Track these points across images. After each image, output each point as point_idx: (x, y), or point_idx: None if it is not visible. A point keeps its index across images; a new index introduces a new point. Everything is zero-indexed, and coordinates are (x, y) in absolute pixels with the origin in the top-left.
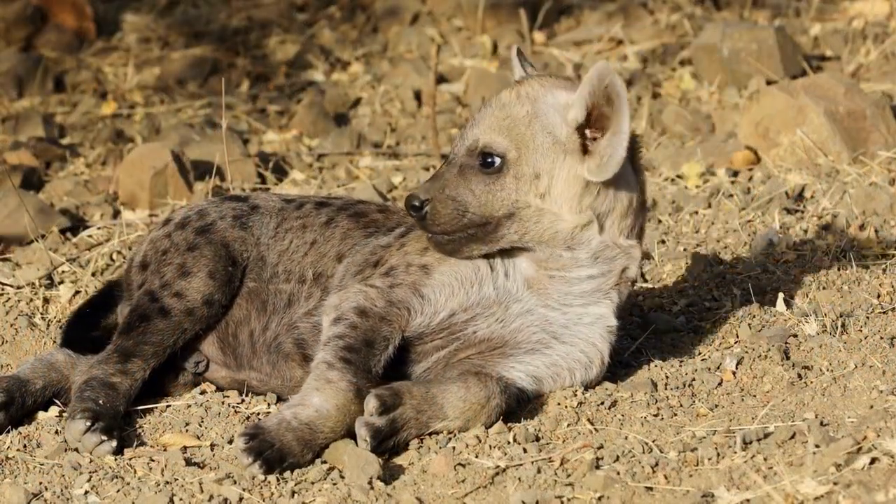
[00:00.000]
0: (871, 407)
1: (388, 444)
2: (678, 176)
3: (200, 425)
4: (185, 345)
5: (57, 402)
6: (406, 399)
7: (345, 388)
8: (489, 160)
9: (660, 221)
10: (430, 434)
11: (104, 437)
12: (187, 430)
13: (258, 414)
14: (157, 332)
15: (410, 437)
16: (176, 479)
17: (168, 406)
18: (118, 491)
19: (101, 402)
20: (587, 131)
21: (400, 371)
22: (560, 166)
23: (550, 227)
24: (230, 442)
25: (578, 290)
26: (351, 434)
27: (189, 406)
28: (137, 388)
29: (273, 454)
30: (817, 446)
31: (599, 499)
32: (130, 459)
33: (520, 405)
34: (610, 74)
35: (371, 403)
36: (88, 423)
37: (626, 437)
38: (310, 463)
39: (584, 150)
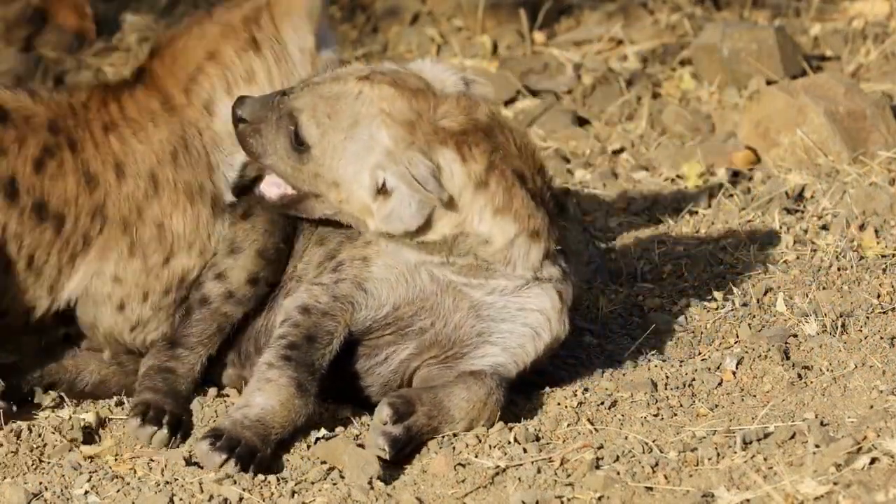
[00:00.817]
0: (871, 407)
1: (404, 452)
2: (678, 176)
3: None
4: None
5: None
6: (417, 406)
7: (285, 383)
8: (299, 138)
9: (660, 221)
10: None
11: (155, 428)
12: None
13: None
14: (198, 322)
15: (421, 443)
16: (176, 479)
17: None
18: (118, 491)
19: (158, 386)
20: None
21: (354, 367)
22: (356, 197)
23: (357, 224)
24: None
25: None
26: (299, 430)
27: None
28: (199, 372)
29: (243, 450)
30: (817, 446)
31: (599, 499)
32: (131, 459)
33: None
34: (415, 158)
35: (384, 412)
36: (139, 420)
37: (626, 437)
38: (271, 458)
39: (381, 192)
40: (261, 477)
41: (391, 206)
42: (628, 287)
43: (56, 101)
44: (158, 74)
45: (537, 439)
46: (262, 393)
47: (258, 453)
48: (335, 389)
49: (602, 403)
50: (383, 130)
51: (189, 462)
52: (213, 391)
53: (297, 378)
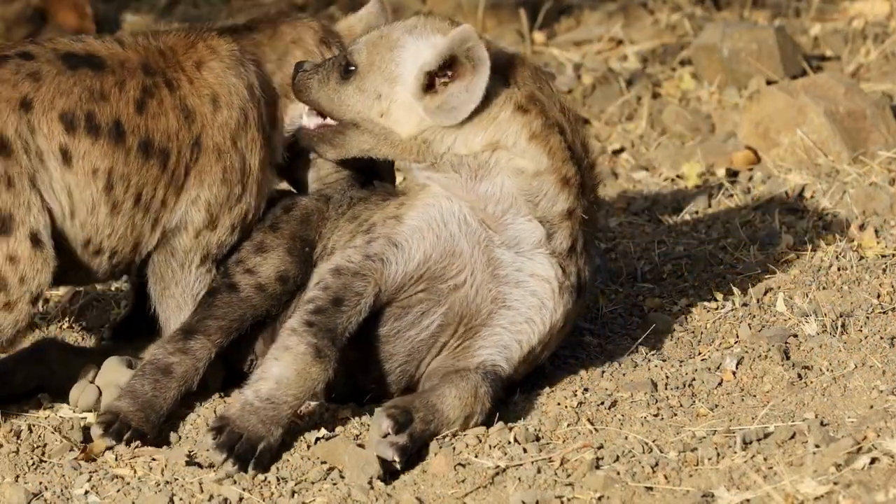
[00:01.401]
0: (871, 407)
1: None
2: (678, 176)
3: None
4: (247, 340)
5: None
6: (414, 413)
7: (303, 350)
8: (348, 65)
9: (660, 221)
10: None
11: (113, 442)
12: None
13: None
14: (223, 305)
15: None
16: (176, 479)
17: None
18: (118, 491)
19: (139, 393)
20: (437, 78)
21: (381, 330)
22: (400, 97)
23: (393, 146)
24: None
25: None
26: (299, 437)
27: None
28: (200, 371)
29: (243, 445)
30: (817, 446)
31: (599, 499)
32: (131, 459)
33: (503, 385)
34: (471, 40)
35: (384, 424)
36: (101, 430)
37: (626, 437)
38: (279, 439)
39: (428, 90)
40: (261, 477)
41: (446, 93)
42: (628, 287)
43: (143, 46)
44: (256, 40)
45: (537, 439)
46: (279, 362)
47: (260, 443)
48: (357, 362)
49: (602, 403)
50: (425, 36)
51: (189, 462)
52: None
53: (316, 344)
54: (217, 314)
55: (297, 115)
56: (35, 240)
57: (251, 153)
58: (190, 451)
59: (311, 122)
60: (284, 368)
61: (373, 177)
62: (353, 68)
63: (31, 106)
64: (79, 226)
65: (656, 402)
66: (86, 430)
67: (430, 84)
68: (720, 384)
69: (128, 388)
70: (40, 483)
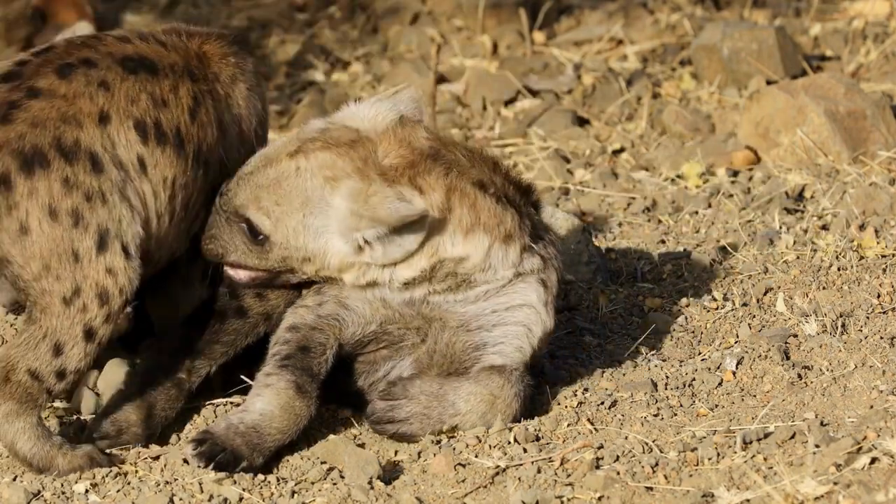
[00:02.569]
0: (871, 407)
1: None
2: (678, 176)
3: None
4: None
5: None
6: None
7: (284, 386)
8: (253, 230)
9: (660, 221)
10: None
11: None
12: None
13: None
14: (231, 332)
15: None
16: (176, 479)
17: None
18: (118, 491)
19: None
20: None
21: (357, 385)
22: (332, 261)
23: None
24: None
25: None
26: (300, 437)
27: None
28: (198, 383)
29: (226, 458)
30: (817, 446)
31: (599, 499)
32: (136, 462)
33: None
34: (401, 208)
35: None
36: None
37: (626, 437)
38: (262, 467)
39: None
40: (261, 477)
41: (381, 249)
42: (628, 287)
43: (182, 47)
44: None
45: (537, 439)
46: (262, 398)
47: (243, 461)
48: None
49: (602, 403)
50: (336, 195)
51: (189, 462)
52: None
53: (296, 381)
54: (224, 339)
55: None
56: (126, 252)
57: None
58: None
59: (238, 274)
60: (267, 403)
61: None
62: (261, 237)
63: (109, 117)
64: (147, 235)
65: (656, 402)
66: (83, 429)
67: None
68: (720, 384)
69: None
70: (40, 483)
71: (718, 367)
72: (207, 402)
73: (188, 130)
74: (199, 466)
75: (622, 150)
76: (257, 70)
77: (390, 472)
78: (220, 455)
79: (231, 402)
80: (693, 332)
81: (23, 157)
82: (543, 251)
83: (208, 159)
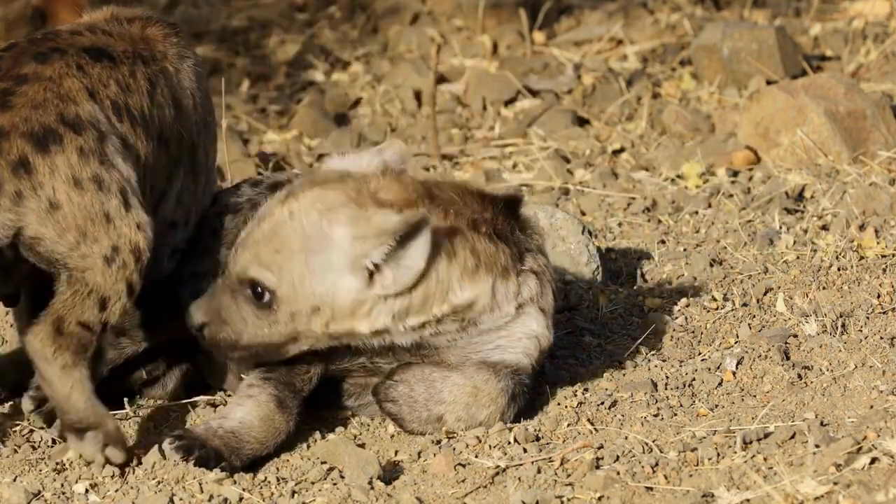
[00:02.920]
0: (871, 407)
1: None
2: (678, 176)
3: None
4: None
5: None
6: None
7: (265, 399)
8: (258, 290)
9: (660, 221)
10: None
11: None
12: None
13: None
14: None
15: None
16: (176, 480)
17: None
18: (118, 490)
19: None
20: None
21: (345, 404)
22: (343, 293)
23: (344, 339)
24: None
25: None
26: (280, 450)
27: (196, 406)
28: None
29: (206, 453)
30: (817, 446)
31: (599, 499)
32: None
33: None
34: (403, 220)
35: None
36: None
37: (626, 437)
38: (238, 471)
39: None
40: (261, 477)
41: (391, 273)
42: (628, 287)
43: (121, 34)
44: None
45: (537, 439)
46: (242, 408)
47: (222, 461)
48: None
49: (602, 403)
50: (335, 227)
51: None
52: (203, 399)
53: (278, 395)
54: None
55: None
56: (144, 207)
57: (211, 150)
58: None
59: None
60: (247, 413)
61: None
62: (267, 294)
63: (96, 94)
64: None
65: (656, 402)
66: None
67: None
68: (720, 384)
69: None
70: (40, 483)
71: (718, 367)
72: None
73: (150, 112)
74: (177, 461)
75: (622, 150)
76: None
77: (390, 472)
78: (199, 451)
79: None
80: (693, 332)
81: (35, 137)
82: (535, 264)
83: (169, 137)
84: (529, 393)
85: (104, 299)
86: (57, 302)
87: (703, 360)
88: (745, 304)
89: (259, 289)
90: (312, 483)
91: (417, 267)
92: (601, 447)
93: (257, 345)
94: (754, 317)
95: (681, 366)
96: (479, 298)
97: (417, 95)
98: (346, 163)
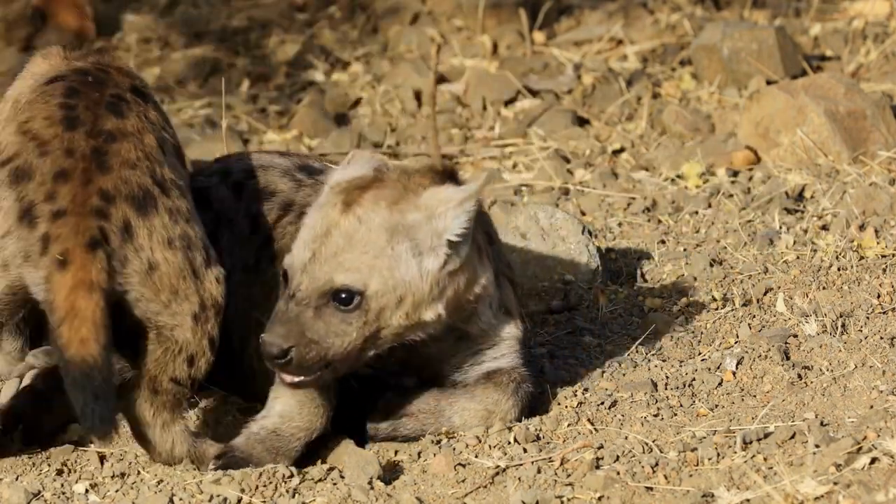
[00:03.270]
0: (871, 407)
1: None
2: (678, 176)
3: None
4: None
5: None
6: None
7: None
8: (344, 296)
9: (660, 221)
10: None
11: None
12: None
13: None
14: None
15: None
16: (176, 480)
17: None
18: (118, 491)
19: None
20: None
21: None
22: (427, 275)
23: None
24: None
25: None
26: (328, 432)
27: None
28: None
29: (245, 466)
30: (817, 446)
31: (599, 499)
32: (133, 461)
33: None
34: (471, 191)
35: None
36: None
37: (626, 437)
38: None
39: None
40: (261, 476)
41: (460, 246)
42: (628, 287)
43: (109, 71)
44: None
45: (537, 439)
46: (280, 400)
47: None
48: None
49: (602, 403)
50: (408, 214)
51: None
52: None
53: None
54: None
55: None
56: (218, 262)
57: None
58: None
59: (288, 378)
60: (285, 404)
61: None
62: (356, 297)
63: (164, 145)
64: None
65: (656, 402)
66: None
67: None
68: (720, 384)
69: None
70: (40, 483)
71: (718, 367)
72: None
73: (175, 139)
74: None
75: (622, 150)
76: None
77: (390, 472)
78: (240, 466)
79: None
80: (693, 332)
81: (136, 201)
82: (497, 265)
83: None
84: (532, 392)
85: (192, 357)
86: (149, 362)
87: (703, 360)
88: (745, 304)
89: (345, 294)
90: (313, 483)
91: (471, 235)
92: (601, 447)
93: (344, 354)
94: (754, 317)
95: (681, 366)
96: (489, 284)
97: (417, 95)
98: (350, 171)
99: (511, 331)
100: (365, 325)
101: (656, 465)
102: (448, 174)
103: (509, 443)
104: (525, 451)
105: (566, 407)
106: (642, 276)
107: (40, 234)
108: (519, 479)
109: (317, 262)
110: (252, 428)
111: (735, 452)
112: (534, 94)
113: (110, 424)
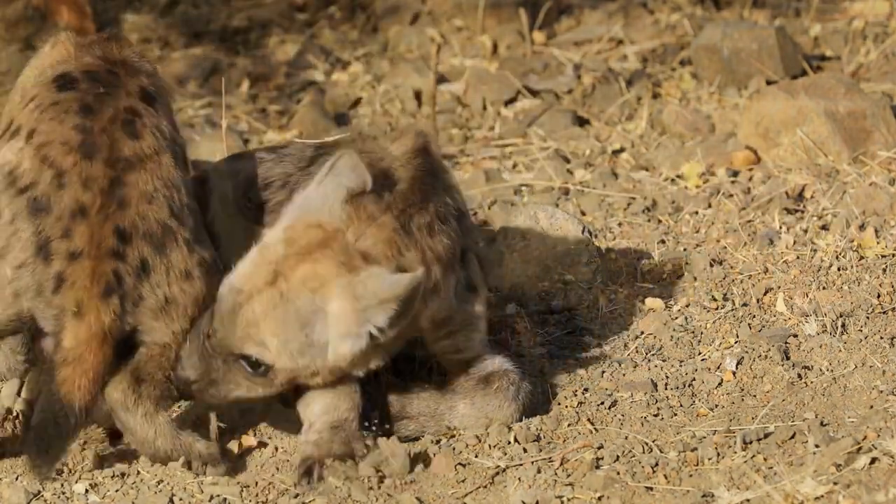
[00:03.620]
0: (871, 407)
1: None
2: (678, 176)
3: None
4: None
5: None
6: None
7: None
8: (253, 362)
9: (660, 221)
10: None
11: None
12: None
13: None
14: None
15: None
16: (176, 480)
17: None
18: (118, 490)
19: None
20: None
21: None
22: (345, 355)
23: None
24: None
25: None
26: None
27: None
28: None
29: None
30: (817, 446)
31: (599, 499)
32: (133, 461)
33: None
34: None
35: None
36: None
37: (626, 437)
38: (366, 454)
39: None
40: (261, 476)
41: (394, 327)
42: (628, 287)
43: (118, 68)
44: None
45: (537, 439)
46: (314, 402)
47: (348, 460)
48: None
49: (602, 403)
50: (331, 302)
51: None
52: None
53: None
54: None
55: None
56: None
57: None
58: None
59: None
60: (321, 401)
61: None
62: (263, 366)
63: (179, 161)
64: None
65: (656, 402)
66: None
67: None
68: (720, 384)
69: None
70: (40, 483)
71: (718, 367)
72: None
73: (182, 142)
74: (315, 489)
75: (622, 150)
76: None
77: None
78: (318, 470)
79: None
80: (693, 332)
81: (154, 238)
82: (465, 241)
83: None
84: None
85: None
86: (138, 355)
87: (703, 360)
88: (745, 304)
89: (253, 360)
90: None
91: (412, 313)
92: (601, 447)
93: (248, 400)
94: (754, 317)
95: (681, 366)
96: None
97: (417, 95)
98: (312, 204)
99: (478, 309)
100: (272, 386)
101: (656, 465)
102: (422, 150)
103: (509, 443)
104: (525, 451)
105: (566, 407)
106: (642, 276)
107: (55, 271)
108: (519, 479)
109: (232, 320)
110: (311, 436)
111: (735, 452)
112: (534, 94)
113: (54, 467)
